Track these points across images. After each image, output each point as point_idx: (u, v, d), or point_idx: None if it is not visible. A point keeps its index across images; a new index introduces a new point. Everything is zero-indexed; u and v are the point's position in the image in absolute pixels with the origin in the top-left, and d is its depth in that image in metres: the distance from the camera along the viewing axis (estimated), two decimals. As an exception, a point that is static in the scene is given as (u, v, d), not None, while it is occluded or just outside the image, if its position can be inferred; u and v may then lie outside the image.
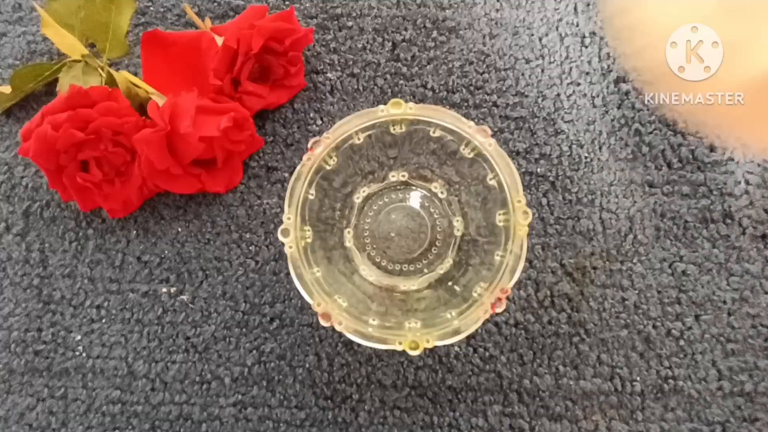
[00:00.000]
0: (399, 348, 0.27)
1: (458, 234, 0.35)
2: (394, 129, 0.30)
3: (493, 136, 0.30)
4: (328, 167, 0.30)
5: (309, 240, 0.30)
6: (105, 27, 0.37)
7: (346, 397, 0.35)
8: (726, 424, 0.34)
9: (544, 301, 0.36)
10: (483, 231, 0.32)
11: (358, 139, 0.30)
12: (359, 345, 0.35)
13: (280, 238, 0.28)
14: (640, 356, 0.35)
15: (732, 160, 0.37)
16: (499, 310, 0.27)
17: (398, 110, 0.29)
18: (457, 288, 0.32)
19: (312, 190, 0.30)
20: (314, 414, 0.35)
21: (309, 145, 0.29)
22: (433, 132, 0.30)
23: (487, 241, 0.31)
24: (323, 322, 0.27)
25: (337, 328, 0.27)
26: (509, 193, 0.29)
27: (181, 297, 0.36)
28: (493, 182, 0.29)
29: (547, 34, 0.40)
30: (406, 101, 0.29)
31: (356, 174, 0.34)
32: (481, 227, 0.32)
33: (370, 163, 0.33)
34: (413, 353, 0.27)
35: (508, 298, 0.28)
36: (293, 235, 0.28)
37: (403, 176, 0.35)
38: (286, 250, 0.28)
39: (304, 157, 0.29)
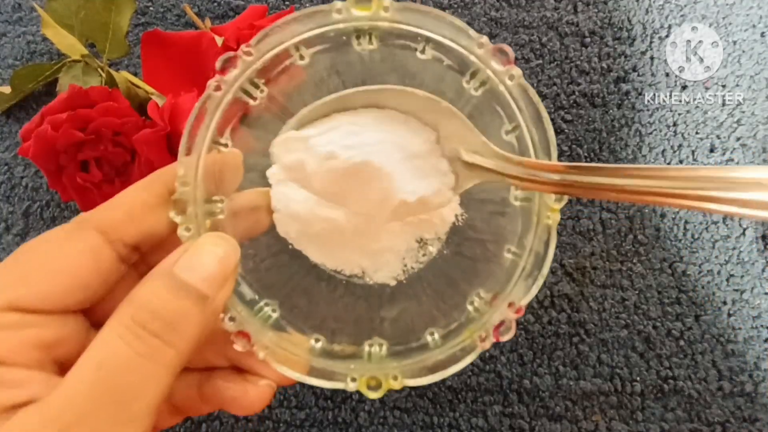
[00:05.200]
0: (351, 388, 0.18)
1: (453, 218, 0.24)
2: (359, 44, 0.19)
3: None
4: (252, 103, 0.19)
5: (222, 216, 0.19)
6: (105, 27, 0.37)
7: (346, 397, 0.35)
8: (726, 425, 0.34)
9: (544, 301, 0.36)
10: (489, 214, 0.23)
11: (302, 58, 0.19)
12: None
13: (171, 215, 0.18)
14: (640, 356, 0.35)
15: (732, 160, 0.37)
16: (504, 338, 0.18)
17: (365, 12, 0.18)
18: (445, 294, 0.23)
19: (226, 140, 0.19)
20: (314, 414, 0.35)
21: (218, 65, 0.18)
22: (422, 52, 0.19)
23: (494, 230, 0.23)
24: (238, 347, 0.18)
25: (260, 357, 0.18)
26: (536, 158, 0.20)
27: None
28: (510, 138, 0.20)
29: (547, 34, 0.40)
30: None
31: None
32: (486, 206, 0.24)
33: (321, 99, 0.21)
34: (373, 396, 0.18)
35: (517, 322, 0.20)
36: (192, 209, 0.18)
37: None
38: (180, 233, 0.18)
39: (210, 83, 0.18)
